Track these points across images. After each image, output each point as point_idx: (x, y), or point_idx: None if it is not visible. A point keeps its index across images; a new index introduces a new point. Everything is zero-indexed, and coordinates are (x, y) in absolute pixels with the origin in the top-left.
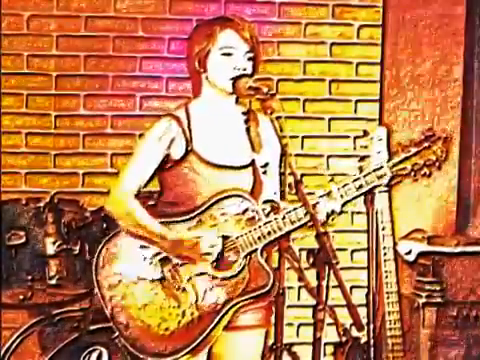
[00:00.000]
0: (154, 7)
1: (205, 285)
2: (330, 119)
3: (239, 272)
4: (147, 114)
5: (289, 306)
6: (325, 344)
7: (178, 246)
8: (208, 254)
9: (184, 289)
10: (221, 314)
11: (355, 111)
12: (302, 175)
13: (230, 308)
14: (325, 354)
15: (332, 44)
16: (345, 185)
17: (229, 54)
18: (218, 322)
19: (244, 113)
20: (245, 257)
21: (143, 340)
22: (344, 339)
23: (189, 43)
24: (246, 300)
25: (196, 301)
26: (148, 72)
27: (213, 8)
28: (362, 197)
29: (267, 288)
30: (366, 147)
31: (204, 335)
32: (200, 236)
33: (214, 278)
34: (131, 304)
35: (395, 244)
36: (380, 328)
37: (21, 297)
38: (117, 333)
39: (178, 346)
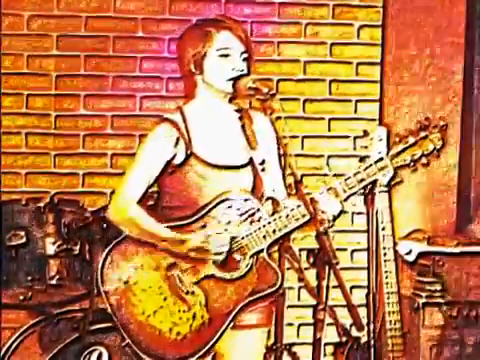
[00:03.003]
0: (154, 7)
1: (214, 287)
2: (330, 119)
3: (247, 272)
4: (147, 114)
5: (289, 306)
6: (325, 344)
7: (186, 248)
8: (218, 254)
9: (193, 292)
10: (233, 315)
11: (355, 111)
12: (302, 175)
13: (241, 308)
14: (325, 354)
15: (332, 44)
16: (347, 179)
17: (226, 55)
18: (230, 323)
19: (237, 111)
20: (252, 257)
21: (155, 346)
22: (344, 339)
23: (181, 45)
24: (256, 300)
25: (206, 304)
26: (148, 72)
27: (213, 8)
28: (362, 197)
29: (276, 287)
30: (366, 147)
31: (217, 336)
32: (209, 235)
33: (222, 280)
34: (141, 311)
35: (395, 244)
36: (380, 328)
37: (21, 297)
38: (128, 340)
39: (191, 350)
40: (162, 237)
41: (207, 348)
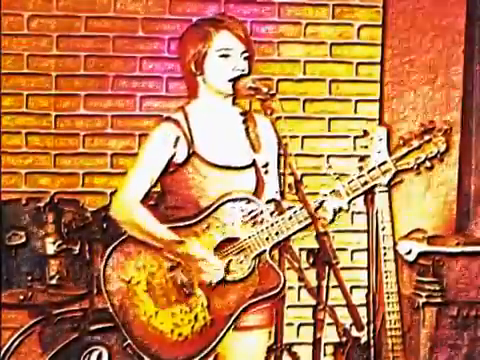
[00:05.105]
0: (154, 7)
1: (216, 288)
2: (330, 119)
3: (249, 274)
4: (147, 114)
5: (289, 306)
6: (325, 344)
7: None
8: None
9: (195, 293)
10: (234, 316)
11: (355, 111)
12: (302, 175)
13: (243, 310)
14: (325, 354)
15: (332, 44)
16: (350, 182)
17: (227, 55)
18: (231, 324)
19: (242, 114)
20: (254, 259)
21: (156, 347)
22: (344, 339)
23: (182, 45)
24: (258, 302)
25: (208, 305)
26: (148, 72)
27: (213, 8)
28: (362, 197)
29: (278, 289)
30: (366, 147)
31: (219, 338)
32: (205, 258)
33: (225, 281)
34: (142, 311)
35: (395, 244)
36: (380, 328)
37: (21, 297)
38: (129, 341)
39: (193, 351)
40: (161, 238)
41: (209, 349)
